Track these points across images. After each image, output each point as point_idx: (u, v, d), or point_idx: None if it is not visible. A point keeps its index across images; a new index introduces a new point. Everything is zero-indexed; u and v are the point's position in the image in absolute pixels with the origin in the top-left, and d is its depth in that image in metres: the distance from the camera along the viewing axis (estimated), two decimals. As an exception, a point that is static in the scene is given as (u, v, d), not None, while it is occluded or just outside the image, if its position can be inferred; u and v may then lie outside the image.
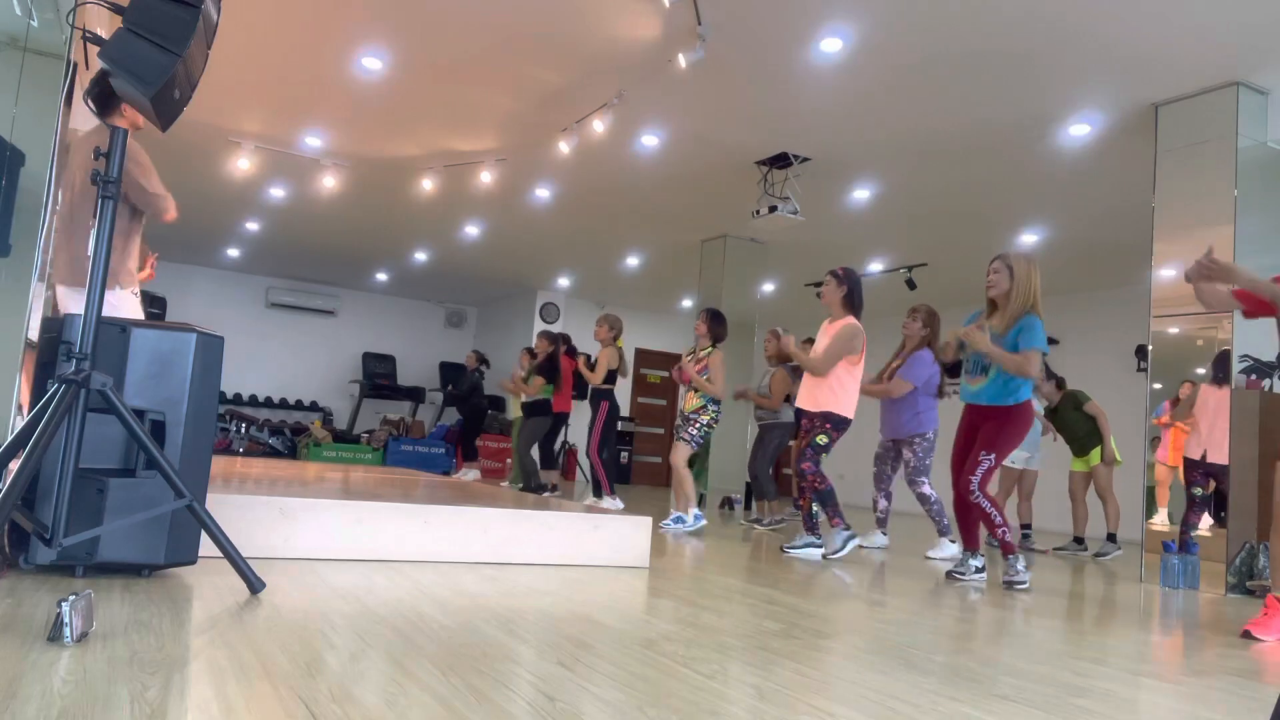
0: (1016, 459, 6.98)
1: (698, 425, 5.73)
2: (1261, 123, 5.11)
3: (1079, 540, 6.83)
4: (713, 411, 5.75)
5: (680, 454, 5.73)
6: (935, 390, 5.48)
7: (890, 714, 1.65)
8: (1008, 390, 3.91)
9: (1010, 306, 3.93)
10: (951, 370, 5.33)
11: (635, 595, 2.81)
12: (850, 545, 4.63)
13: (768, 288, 11.38)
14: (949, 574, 4.13)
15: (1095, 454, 6.66)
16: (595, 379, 6.89)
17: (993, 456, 3.87)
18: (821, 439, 4.63)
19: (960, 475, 4.00)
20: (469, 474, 9.58)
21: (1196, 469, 5.06)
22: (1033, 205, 7.40)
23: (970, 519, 4.03)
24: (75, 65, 3.16)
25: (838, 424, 4.65)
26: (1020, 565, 3.98)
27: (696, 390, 5.75)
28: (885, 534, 5.75)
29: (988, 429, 3.92)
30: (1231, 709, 1.96)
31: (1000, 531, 3.91)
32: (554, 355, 7.90)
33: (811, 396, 4.73)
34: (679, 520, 5.62)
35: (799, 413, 6.97)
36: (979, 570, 4.10)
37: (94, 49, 2.11)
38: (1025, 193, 7.13)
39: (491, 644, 1.93)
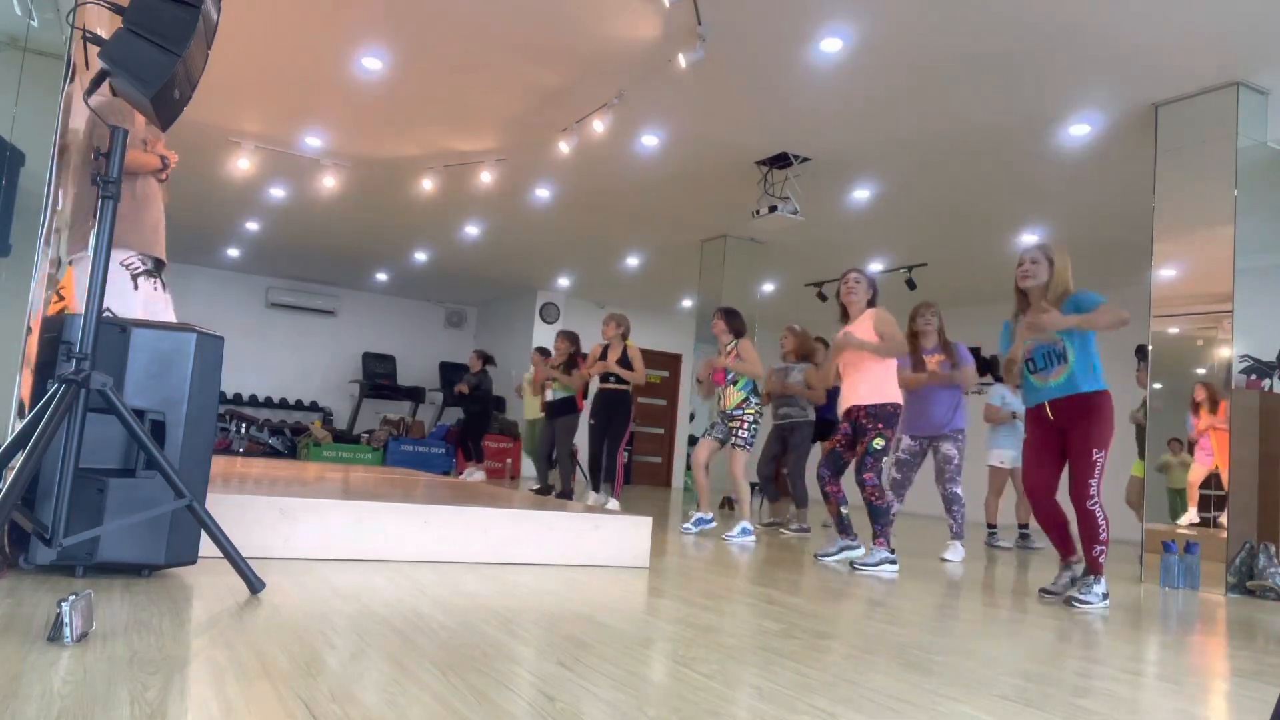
0: (1005, 459, 6.91)
1: (746, 425, 5.52)
2: (1261, 123, 5.11)
3: None
4: (755, 405, 5.55)
5: (738, 463, 5.49)
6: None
7: (890, 714, 1.65)
8: (1094, 374, 3.60)
9: (1050, 299, 3.68)
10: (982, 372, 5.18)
11: (635, 595, 2.81)
12: (885, 569, 4.27)
13: (768, 288, 11.38)
14: (1070, 600, 3.62)
15: None
16: (638, 377, 6.76)
17: (1103, 454, 3.53)
18: (878, 443, 4.33)
19: (1048, 485, 3.67)
20: (475, 474, 9.55)
21: None
22: (1033, 205, 7.40)
23: (1061, 529, 3.71)
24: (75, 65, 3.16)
25: (888, 419, 4.36)
26: (1098, 589, 3.55)
27: (735, 382, 5.58)
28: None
29: (1084, 424, 3.56)
30: (1231, 709, 1.96)
31: (1097, 550, 3.53)
32: (574, 356, 7.82)
33: (854, 393, 4.46)
34: (745, 532, 5.34)
35: (828, 411, 6.86)
36: (1103, 596, 3.62)
37: (94, 49, 2.11)
38: (1025, 193, 7.13)
39: (491, 644, 1.93)
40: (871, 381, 4.41)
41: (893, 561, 4.32)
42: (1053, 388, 3.64)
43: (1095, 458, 3.52)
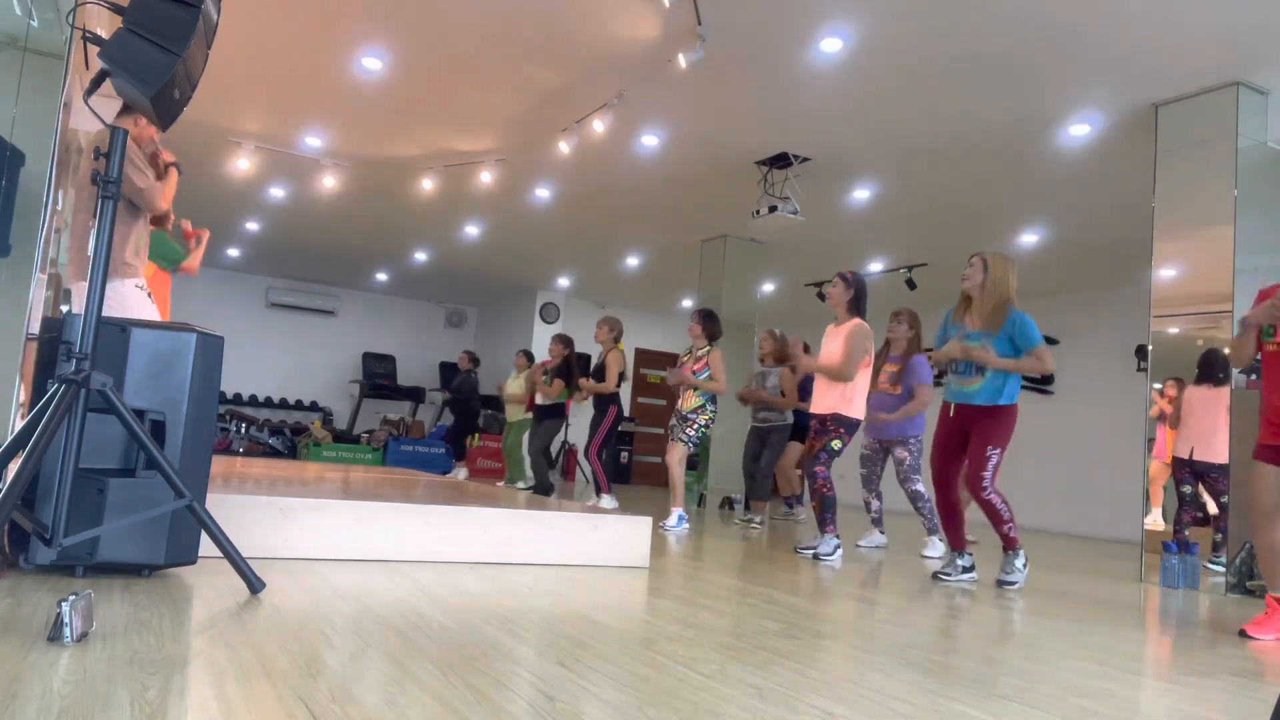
0: None
1: (695, 425, 5.73)
2: (1261, 123, 5.11)
3: None
4: (710, 411, 5.76)
5: (675, 454, 5.74)
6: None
7: (890, 714, 1.65)
8: (1003, 391, 3.90)
9: (984, 302, 3.94)
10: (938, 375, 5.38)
11: (635, 595, 2.81)
12: (838, 556, 4.60)
13: (768, 288, 11.38)
14: (935, 575, 4.10)
15: None
16: (609, 388, 6.81)
17: (998, 451, 3.86)
18: (836, 444, 4.63)
19: (947, 475, 4.01)
20: (459, 473, 9.60)
21: (1185, 468, 5.07)
22: (1033, 205, 7.40)
23: (955, 519, 4.03)
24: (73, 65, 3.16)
25: (850, 427, 4.66)
26: (1018, 564, 3.98)
27: (696, 389, 5.74)
28: (883, 532, 5.75)
29: (983, 426, 3.90)
30: (1231, 709, 1.96)
31: (1006, 528, 3.90)
32: (569, 358, 7.84)
33: (822, 399, 4.76)
34: (681, 520, 5.61)
35: (804, 415, 6.96)
36: (966, 570, 4.07)
37: (94, 49, 2.11)
38: (1025, 193, 7.13)
39: (491, 644, 1.93)
40: (834, 392, 4.71)
41: (839, 548, 4.64)
42: (968, 393, 3.96)
43: (989, 453, 3.86)
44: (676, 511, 5.63)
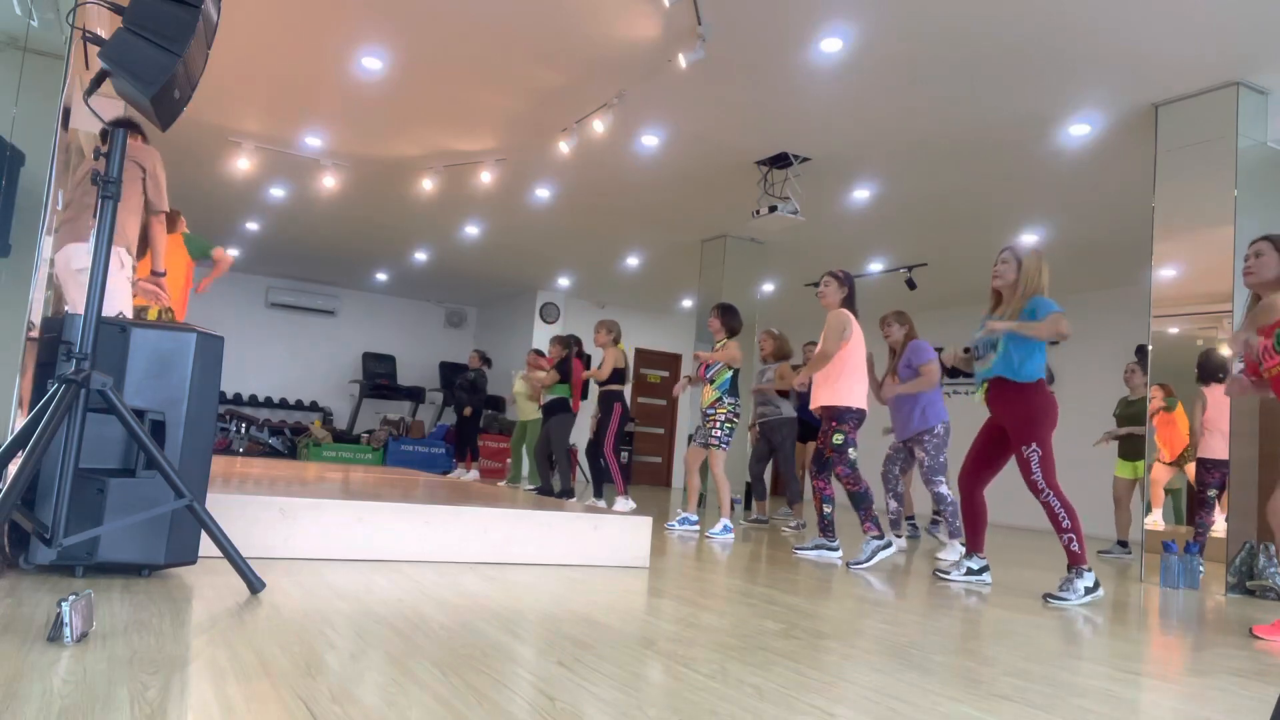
0: None
1: (718, 424, 5.60)
2: (1261, 123, 5.11)
3: (1123, 544, 6.79)
4: (729, 405, 5.61)
5: (718, 463, 5.59)
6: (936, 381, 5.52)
7: (890, 714, 1.65)
8: (1018, 364, 3.74)
9: (1015, 299, 3.84)
10: (951, 373, 5.33)
11: (635, 595, 2.81)
12: (879, 556, 4.35)
13: (768, 288, 11.38)
14: (935, 574, 4.05)
15: (1142, 465, 6.56)
16: (602, 375, 6.85)
17: (1034, 445, 3.64)
18: (837, 438, 4.57)
19: (970, 478, 3.89)
20: (470, 474, 9.59)
21: (1217, 469, 4.93)
22: (1033, 205, 7.40)
23: (976, 522, 3.92)
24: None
25: (841, 416, 4.59)
26: (1080, 584, 3.60)
27: (713, 381, 5.67)
28: (899, 535, 5.71)
29: (1014, 423, 3.72)
30: (1231, 709, 1.96)
31: (1065, 538, 3.59)
32: (567, 359, 7.86)
33: (815, 394, 4.76)
34: (726, 530, 5.43)
35: (809, 414, 6.94)
36: (974, 572, 3.99)
37: (94, 49, 2.11)
38: (1025, 193, 7.13)
39: (491, 644, 1.93)
40: (828, 384, 4.71)
41: (886, 545, 4.44)
42: (985, 372, 3.89)
43: (1027, 453, 3.67)
44: (724, 521, 5.45)
